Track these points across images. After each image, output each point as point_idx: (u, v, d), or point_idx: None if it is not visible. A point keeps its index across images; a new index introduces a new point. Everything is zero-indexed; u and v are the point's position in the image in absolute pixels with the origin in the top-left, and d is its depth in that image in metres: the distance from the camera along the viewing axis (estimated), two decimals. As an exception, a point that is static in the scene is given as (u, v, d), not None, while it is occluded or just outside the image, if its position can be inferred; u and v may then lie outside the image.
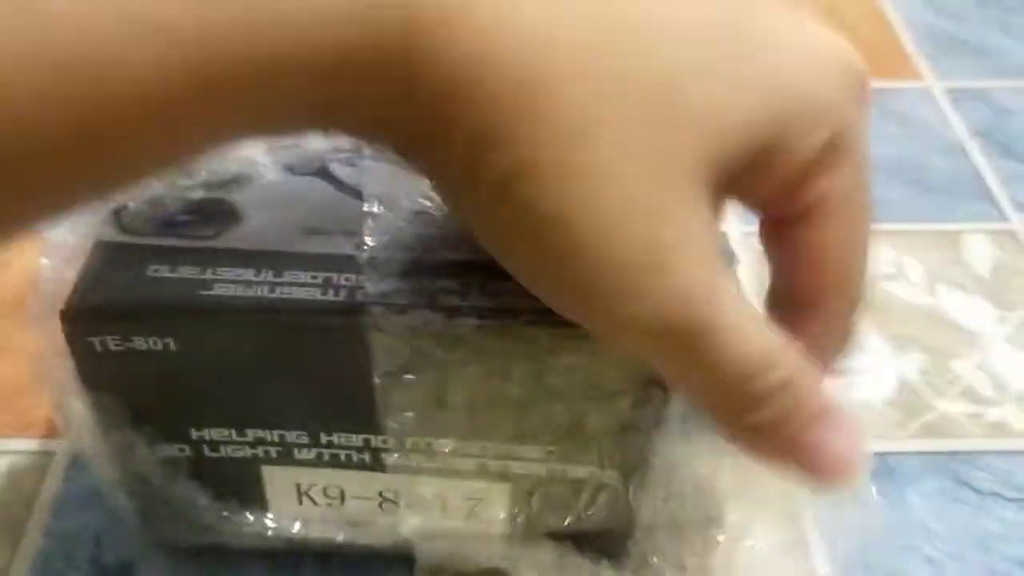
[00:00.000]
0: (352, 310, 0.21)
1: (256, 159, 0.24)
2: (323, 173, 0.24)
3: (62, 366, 0.22)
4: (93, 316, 0.21)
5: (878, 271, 0.30)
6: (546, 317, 0.19)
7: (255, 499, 0.25)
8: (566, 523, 0.25)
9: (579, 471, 0.24)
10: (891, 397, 0.32)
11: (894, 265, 0.30)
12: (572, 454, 0.24)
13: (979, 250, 0.38)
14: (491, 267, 0.19)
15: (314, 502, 0.25)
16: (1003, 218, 0.39)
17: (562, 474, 0.24)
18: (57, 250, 0.23)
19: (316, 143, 0.25)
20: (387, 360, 0.22)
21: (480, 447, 0.24)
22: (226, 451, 0.24)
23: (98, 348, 0.21)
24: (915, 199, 0.40)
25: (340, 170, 0.24)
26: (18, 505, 0.29)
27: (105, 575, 0.27)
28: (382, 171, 0.24)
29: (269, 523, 0.25)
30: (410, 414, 0.23)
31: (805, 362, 0.18)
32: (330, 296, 0.21)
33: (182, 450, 0.24)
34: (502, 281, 0.22)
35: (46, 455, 0.30)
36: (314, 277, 0.22)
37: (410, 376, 0.22)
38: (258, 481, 0.25)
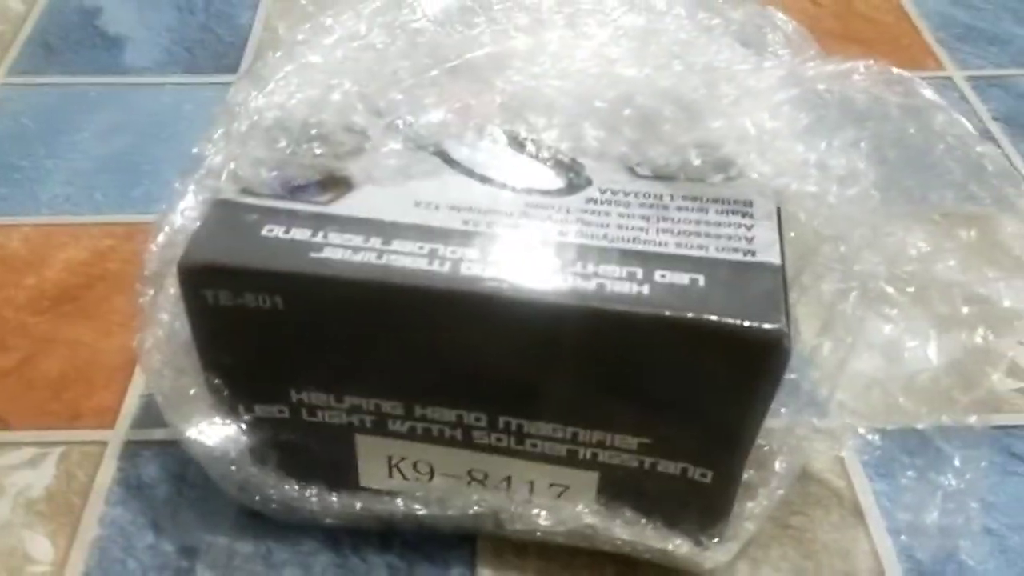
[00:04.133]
0: (457, 282, 0.21)
1: (372, 132, 0.25)
2: (439, 152, 0.25)
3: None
4: (207, 270, 0.22)
5: (919, 252, 0.29)
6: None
7: (347, 468, 0.26)
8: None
9: (670, 467, 0.23)
10: (937, 376, 0.31)
11: (933, 247, 0.30)
12: (666, 448, 0.23)
13: (1013, 231, 0.37)
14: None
15: (403, 476, 0.26)
16: None
17: (652, 468, 0.24)
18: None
19: (433, 119, 0.25)
20: (487, 337, 0.22)
21: (572, 433, 0.23)
22: (323, 416, 0.24)
23: (210, 301, 0.22)
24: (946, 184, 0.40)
25: (456, 150, 0.25)
26: (73, 495, 0.29)
27: (166, 561, 0.27)
28: (499, 152, 0.25)
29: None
30: (504, 393, 0.23)
31: None
32: (435, 267, 0.22)
33: (281, 411, 0.24)
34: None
35: (98, 444, 0.30)
36: (421, 248, 0.22)
37: (508, 355, 0.22)
38: (351, 450, 0.25)
